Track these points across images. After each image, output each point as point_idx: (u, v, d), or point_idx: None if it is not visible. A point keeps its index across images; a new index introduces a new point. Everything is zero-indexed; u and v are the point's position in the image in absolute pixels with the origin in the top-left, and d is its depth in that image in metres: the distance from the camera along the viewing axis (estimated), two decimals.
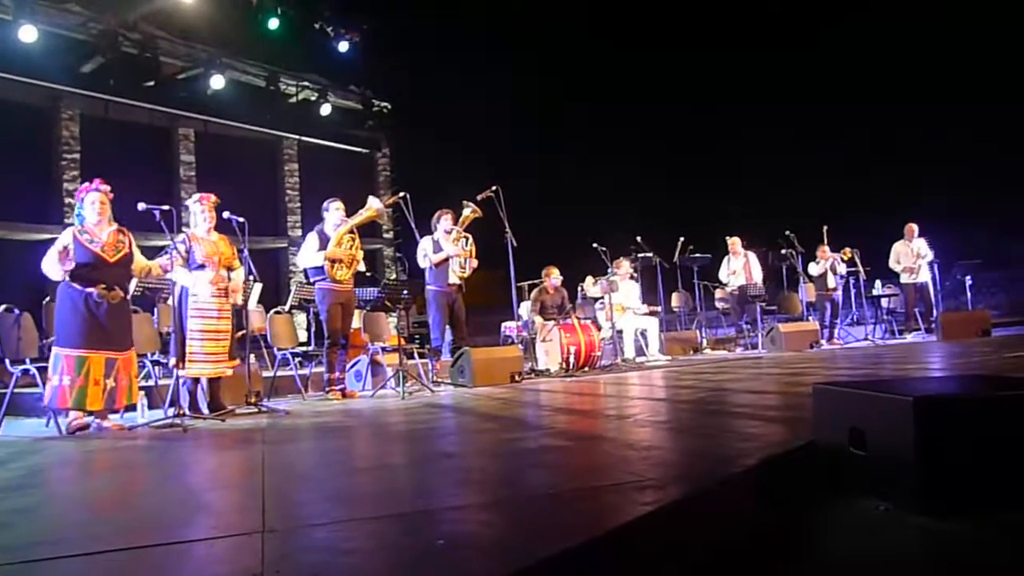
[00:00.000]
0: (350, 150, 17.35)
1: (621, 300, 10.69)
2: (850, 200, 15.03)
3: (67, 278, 5.44)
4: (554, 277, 10.26)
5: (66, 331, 5.44)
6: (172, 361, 6.24)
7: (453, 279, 8.50)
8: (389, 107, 17.54)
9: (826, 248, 12.09)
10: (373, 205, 7.75)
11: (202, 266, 6.13)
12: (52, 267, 5.42)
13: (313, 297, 7.98)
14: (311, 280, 7.70)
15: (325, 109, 16.01)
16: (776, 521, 2.48)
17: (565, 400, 6.14)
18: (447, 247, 8.49)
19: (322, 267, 7.36)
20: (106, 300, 5.53)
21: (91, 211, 5.65)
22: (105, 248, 5.58)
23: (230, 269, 6.36)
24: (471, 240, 8.69)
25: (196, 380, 6.24)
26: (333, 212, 7.55)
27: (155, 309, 7.84)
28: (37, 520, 2.68)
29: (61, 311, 5.48)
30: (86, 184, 5.83)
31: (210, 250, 6.21)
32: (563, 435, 4.10)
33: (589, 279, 11.21)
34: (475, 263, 8.66)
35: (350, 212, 7.66)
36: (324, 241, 7.41)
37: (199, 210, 6.38)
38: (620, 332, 10.59)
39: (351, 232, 7.56)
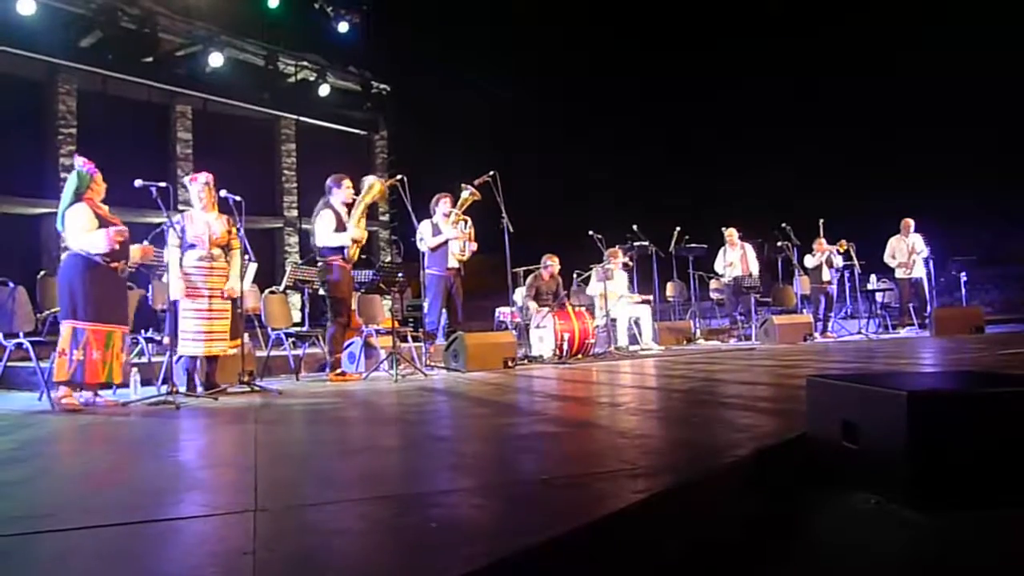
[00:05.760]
0: (348, 131, 17.28)
1: (614, 288, 10.68)
2: (847, 194, 15.06)
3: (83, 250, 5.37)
4: (552, 264, 10.23)
5: (95, 306, 5.35)
6: (167, 340, 6.23)
7: (452, 263, 8.49)
8: (388, 89, 17.47)
9: (822, 241, 12.10)
10: (375, 184, 7.70)
11: (193, 245, 6.11)
12: (100, 240, 5.34)
13: (309, 278, 7.95)
14: (326, 258, 7.38)
15: (323, 90, 15.92)
16: (767, 512, 2.50)
17: (558, 387, 6.16)
18: (446, 230, 8.47)
19: (342, 247, 7.29)
20: (123, 275, 5.61)
21: (97, 188, 5.62)
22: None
23: (227, 249, 6.33)
24: (470, 223, 8.67)
25: (195, 358, 6.22)
26: (344, 189, 7.44)
27: (149, 286, 7.82)
28: (30, 494, 2.68)
29: (89, 285, 5.35)
30: (85, 160, 5.69)
31: (200, 229, 6.15)
32: (556, 421, 4.11)
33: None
34: (474, 246, 8.64)
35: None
36: (338, 218, 7.33)
37: (194, 189, 6.34)
38: (614, 320, 10.59)
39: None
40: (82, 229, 5.37)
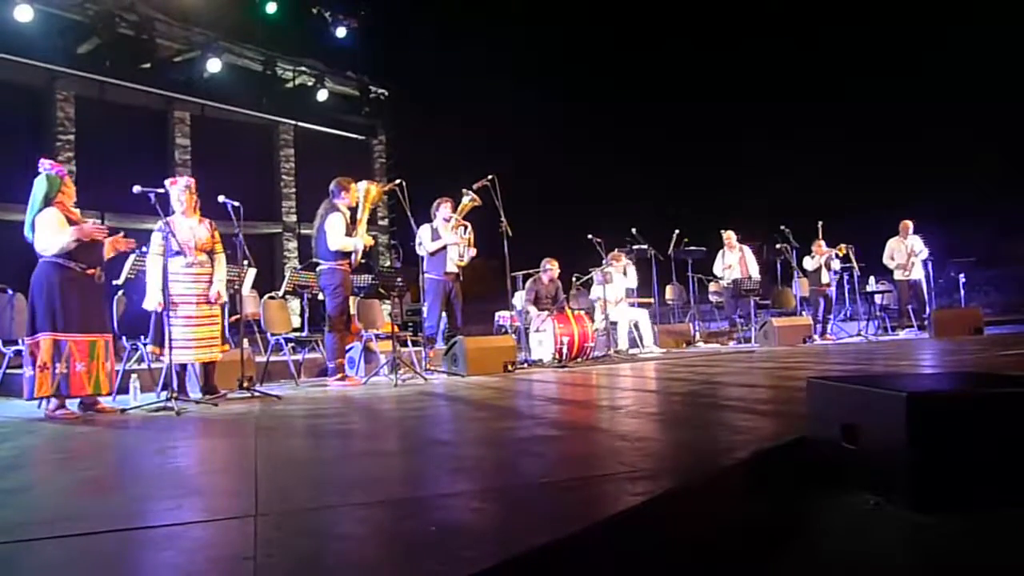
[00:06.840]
0: (346, 136, 17.31)
1: (612, 292, 10.66)
2: (846, 196, 15.08)
3: (58, 257, 5.22)
4: (552, 268, 10.21)
5: (75, 315, 5.20)
6: (149, 348, 6.19)
7: (451, 267, 8.49)
8: (386, 93, 17.48)
9: (822, 243, 12.10)
10: (371, 189, 7.69)
11: (179, 252, 6.01)
12: (70, 234, 5.21)
13: (308, 283, 7.93)
14: (329, 262, 7.32)
15: (322, 95, 15.96)
16: (766, 514, 2.49)
17: (558, 390, 6.15)
18: (445, 235, 8.48)
19: (347, 252, 7.27)
20: (99, 281, 5.45)
21: (68, 191, 5.48)
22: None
23: (211, 253, 6.26)
24: (470, 228, 8.67)
25: (184, 364, 6.19)
26: (353, 193, 7.43)
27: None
28: (29, 501, 2.68)
29: (68, 293, 5.20)
30: (52, 162, 5.61)
31: (184, 236, 6.07)
32: (555, 425, 4.11)
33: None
34: (474, 251, 8.65)
35: None
36: (346, 223, 7.30)
37: (175, 192, 6.20)
38: (614, 323, 10.58)
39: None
40: (53, 232, 5.22)
